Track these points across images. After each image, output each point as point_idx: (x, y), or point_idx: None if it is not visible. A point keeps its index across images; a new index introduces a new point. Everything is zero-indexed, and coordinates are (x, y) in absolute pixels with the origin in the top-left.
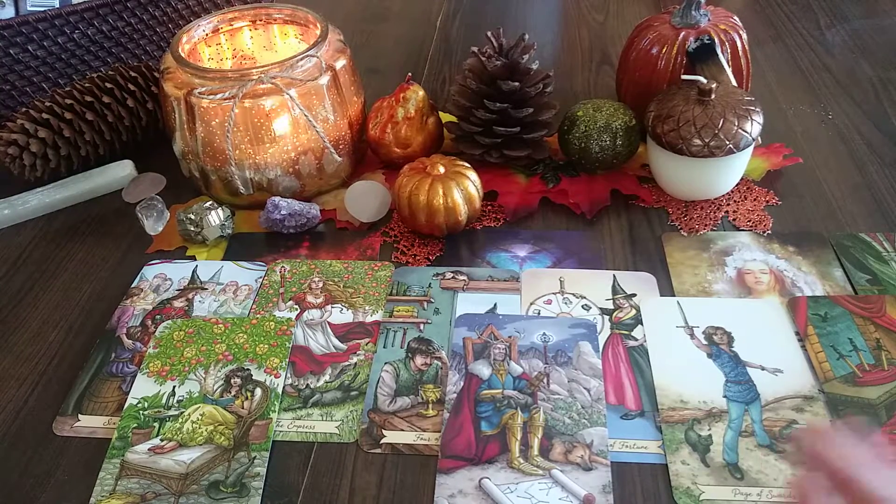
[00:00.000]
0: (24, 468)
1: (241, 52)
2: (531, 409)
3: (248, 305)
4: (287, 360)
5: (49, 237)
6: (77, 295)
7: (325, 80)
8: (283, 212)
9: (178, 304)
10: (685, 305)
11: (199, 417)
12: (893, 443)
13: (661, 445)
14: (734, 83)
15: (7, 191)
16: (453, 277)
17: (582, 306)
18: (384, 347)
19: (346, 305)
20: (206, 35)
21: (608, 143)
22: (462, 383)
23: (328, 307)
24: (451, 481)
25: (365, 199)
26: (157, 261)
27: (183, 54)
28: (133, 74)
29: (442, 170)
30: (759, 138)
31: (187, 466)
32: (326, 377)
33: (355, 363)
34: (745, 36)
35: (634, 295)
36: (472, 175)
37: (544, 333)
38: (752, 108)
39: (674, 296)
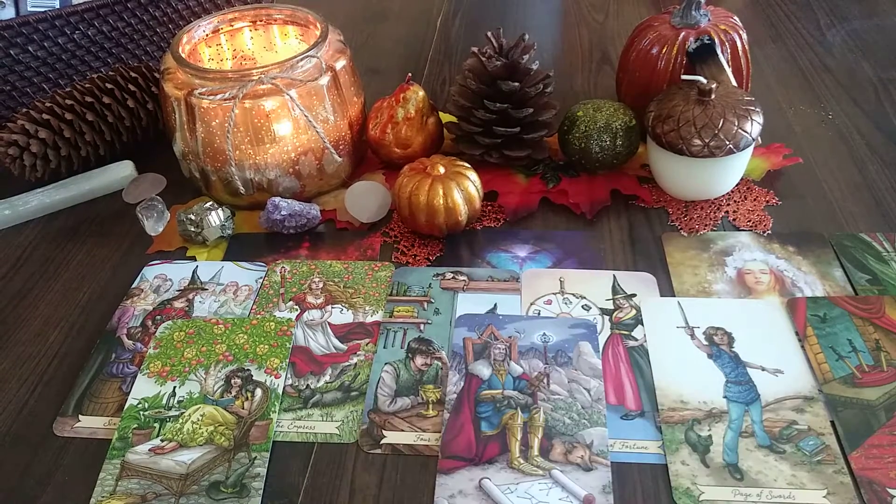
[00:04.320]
0: (25, 469)
1: (242, 52)
2: (531, 409)
3: (248, 306)
4: (287, 360)
5: (49, 238)
6: (77, 295)
7: (325, 80)
8: (283, 212)
9: (178, 304)
10: (685, 306)
11: (200, 418)
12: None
13: (661, 446)
14: (734, 83)
15: (7, 191)
16: (453, 278)
17: (582, 306)
18: (384, 348)
19: (347, 306)
20: (207, 35)
21: (608, 143)
22: (462, 383)
23: (328, 307)
24: (451, 481)
25: (365, 199)
26: (158, 261)
27: (183, 55)
28: (133, 75)
29: (442, 170)
30: (759, 138)
31: (188, 467)
32: (327, 377)
33: (355, 363)
34: (745, 36)
35: (634, 295)
36: (472, 175)
37: (544, 333)
38: (752, 108)
39: (674, 296)
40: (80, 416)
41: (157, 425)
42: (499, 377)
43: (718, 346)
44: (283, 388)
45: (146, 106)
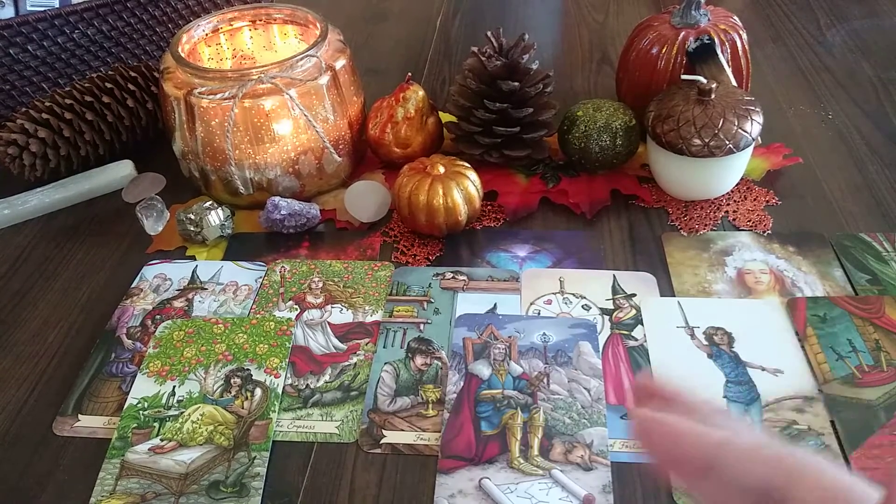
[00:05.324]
0: (25, 468)
1: (241, 52)
2: (531, 409)
3: (247, 305)
4: (287, 360)
5: (49, 237)
6: (77, 295)
7: (324, 80)
8: (282, 212)
9: (177, 304)
10: (685, 305)
11: (199, 417)
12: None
13: None
14: (734, 83)
15: (7, 191)
16: (453, 277)
17: (582, 306)
18: (384, 347)
19: (346, 305)
20: (206, 35)
21: (608, 143)
22: (462, 383)
23: (328, 307)
24: (451, 481)
25: (365, 198)
26: (157, 261)
27: (183, 54)
28: (133, 74)
29: (442, 170)
30: (759, 138)
31: (187, 466)
32: (326, 377)
33: (355, 363)
34: (745, 36)
35: (634, 295)
36: (472, 175)
37: (544, 333)
38: (752, 108)
39: (674, 296)
40: (79, 415)
41: (156, 425)
42: (499, 377)
43: (718, 346)
44: (283, 387)
45: (146, 105)
